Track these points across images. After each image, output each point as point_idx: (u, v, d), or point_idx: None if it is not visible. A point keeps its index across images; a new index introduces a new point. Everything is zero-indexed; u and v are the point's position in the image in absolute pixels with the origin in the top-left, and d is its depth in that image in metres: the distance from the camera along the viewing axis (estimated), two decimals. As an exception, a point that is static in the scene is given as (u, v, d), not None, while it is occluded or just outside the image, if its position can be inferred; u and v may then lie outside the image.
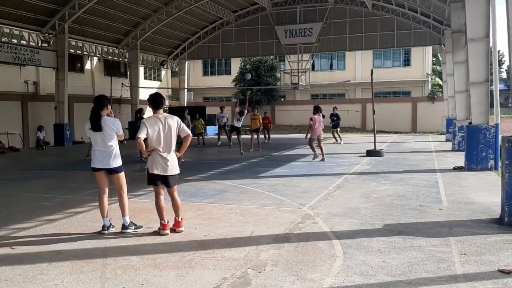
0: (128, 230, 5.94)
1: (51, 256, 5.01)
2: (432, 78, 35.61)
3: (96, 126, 5.83)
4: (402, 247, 5.13)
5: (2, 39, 20.01)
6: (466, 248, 5.08)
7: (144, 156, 13.26)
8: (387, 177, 10.64)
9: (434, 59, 37.62)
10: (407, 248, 5.07)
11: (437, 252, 4.94)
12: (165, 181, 5.90)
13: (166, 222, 5.87)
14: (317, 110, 14.57)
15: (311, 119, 14.32)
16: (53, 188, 10.05)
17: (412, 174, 11.01)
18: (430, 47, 33.86)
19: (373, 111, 16.36)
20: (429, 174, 11.04)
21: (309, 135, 14.60)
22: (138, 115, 14.72)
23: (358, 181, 10.13)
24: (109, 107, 6.03)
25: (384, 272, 4.35)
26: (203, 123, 22.47)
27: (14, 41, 20.70)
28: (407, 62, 36.25)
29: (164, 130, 5.78)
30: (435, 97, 32.59)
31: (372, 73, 16.42)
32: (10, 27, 20.50)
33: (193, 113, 22.62)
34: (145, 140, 5.80)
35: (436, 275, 4.27)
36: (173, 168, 5.90)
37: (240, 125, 17.69)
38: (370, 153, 15.63)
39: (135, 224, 6.06)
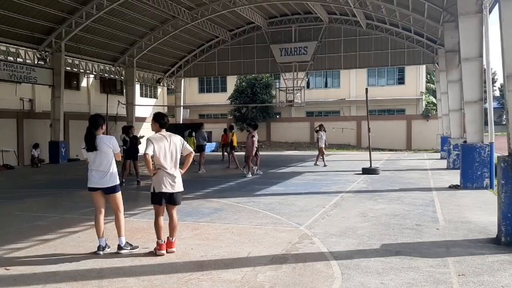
0: (124, 251, 5.89)
1: (47, 278, 4.95)
2: (426, 96, 35.89)
3: (91, 145, 5.82)
4: (400, 267, 5.11)
5: (-1, 57, 20.08)
6: (464, 268, 5.07)
7: (139, 179, 13.25)
8: (383, 195, 10.64)
9: (428, 77, 37.95)
10: (405, 269, 5.05)
11: (435, 273, 4.93)
12: (171, 198, 5.90)
13: (163, 242, 5.84)
14: (255, 127, 15.51)
15: (253, 136, 15.03)
16: (48, 207, 9.97)
17: (408, 193, 11.02)
18: (424, 66, 34.20)
19: (369, 129, 16.45)
20: (425, 193, 11.06)
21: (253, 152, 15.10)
22: (126, 134, 13.62)
23: (354, 199, 10.12)
24: (103, 127, 6.03)
25: (383, 293, 4.33)
26: (195, 141, 22.30)
27: (11, 58, 20.71)
28: (401, 80, 36.54)
29: (169, 147, 5.84)
30: (429, 115, 32.84)
31: (367, 92, 16.53)
32: (7, 45, 20.55)
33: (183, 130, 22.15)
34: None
35: (435, 297, 4.25)
36: (179, 185, 5.95)
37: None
38: (366, 171, 15.64)
39: (131, 245, 6.01)
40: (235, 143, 19.70)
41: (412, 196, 10.52)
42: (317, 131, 19.48)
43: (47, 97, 22.98)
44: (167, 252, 5.84)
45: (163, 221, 5.92)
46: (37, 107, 24.10)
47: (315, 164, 19.03)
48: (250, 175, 15.11)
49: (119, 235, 5.94)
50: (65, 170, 19.20)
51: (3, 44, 20.39)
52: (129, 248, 5.94)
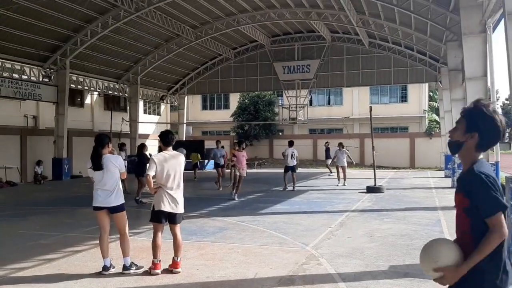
0: (129, 271, 5.82)
1: (51, 299, 4.88)
2: (429, 114, 35.92)
3: (97, 165, 5.81)
4: (410, 290, 5.03)
5: (4, 74, 20.19)
6: (475, 291, 4.98)
7: (138, 197, 13.15)
8: (389, 215, 10.55)
9: (431, 95, 38.04)
10: (415, 292, 4.97)
11: (446, 296, 4.83)
12: (170, 218, 5.87)
13: (158, 261, 5.81)
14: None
15: (234, 155, 13.73)
16: (51, 225, 9.89)
17: (413, 212, 10.93)
18: (426, 84, 34.29)
19: (373, 147, 16.39)
20: (431, 212, 10.96)
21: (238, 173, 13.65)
22: (141, 151, 13.83)
23: (360, 219, 10.04)
24: (110, 145, 6.03)
25: (393, 317, 4.25)
26: (200, 157, 22.75)
27: (16, 76, 20.87)
28: (404, 98, 36.62)
29: (172, 167, 5.82)
30: (432, 133, 32.82)
31: (371, 110, 16.52)
32: (12, 62, 20.72)
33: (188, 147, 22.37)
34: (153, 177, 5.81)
35: (447, 321, 4.16)
36: (180, 206, 5.92)
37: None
38: (370, 190, 15.53)
39: (136, 265, 5.95)
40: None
41: (418, 215, 10.42)
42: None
43: (51, 114, 23.09)
44: (172, 272, 5.78)
45: (162, 240, 5.91)
46: (41, 124, 24.22)
47: (344, 184, 17.98)
48: (236, 198, 13.58)
49: (124, 255, 5.88)
50: (68, 187, 19.16)
51: (9, 61, 20.57)
52: (134, 268, 5.88)
